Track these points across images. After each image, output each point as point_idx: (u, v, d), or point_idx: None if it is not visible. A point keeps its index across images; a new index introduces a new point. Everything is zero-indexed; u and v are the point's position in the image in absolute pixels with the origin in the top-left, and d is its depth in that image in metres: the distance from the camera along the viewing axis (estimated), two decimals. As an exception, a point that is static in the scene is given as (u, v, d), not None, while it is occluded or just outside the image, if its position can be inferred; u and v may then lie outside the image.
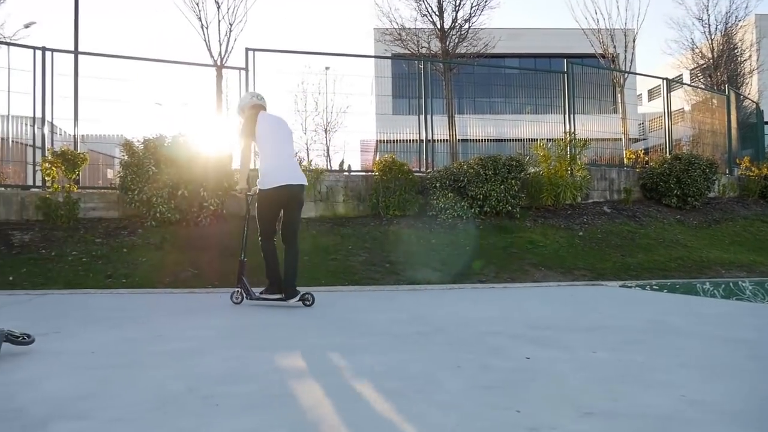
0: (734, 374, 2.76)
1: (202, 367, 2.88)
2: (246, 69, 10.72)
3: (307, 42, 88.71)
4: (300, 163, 10.16)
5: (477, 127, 14.85)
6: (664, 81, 15.10)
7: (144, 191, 8.85)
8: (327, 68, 21.23)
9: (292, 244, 5.51)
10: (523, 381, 2.60)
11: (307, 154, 19.20)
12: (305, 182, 5.59)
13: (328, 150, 22.54)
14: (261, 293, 5.53)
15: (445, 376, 2.69)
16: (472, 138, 14.53)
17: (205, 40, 13.45)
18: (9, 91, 10.24)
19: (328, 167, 17.98)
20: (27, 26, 22.36)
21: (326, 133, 22.39)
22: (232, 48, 13.68)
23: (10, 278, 7.27)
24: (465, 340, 3.64)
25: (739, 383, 2.59)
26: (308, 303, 5.35)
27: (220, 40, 13.39)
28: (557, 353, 3.21)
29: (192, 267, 7.93)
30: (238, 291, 5.57)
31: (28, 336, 3.23)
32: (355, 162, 24.75)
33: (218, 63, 12.54)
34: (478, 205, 10.24)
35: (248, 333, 3.98)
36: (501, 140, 14.56)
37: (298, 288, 5.38)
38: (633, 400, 2.31)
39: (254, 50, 10.84)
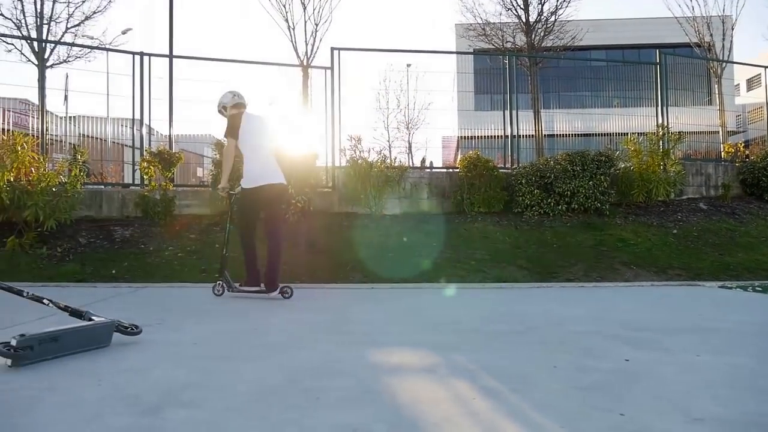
0: None
1: (299, 361, 2.95)
2: (331, 68, 10.88)
3: (389, 40, 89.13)
4: (383, 160, 10.26)
5: (563, 121, 14.48)
6: (766, 69, 14.23)
7: (234, 189, 9.13)
8: (408, 65, 21.28)
9: (275, 239, 5.81)
10: (624, 383, 2.52)
11: (390, 152, 19.32)
12: (285, 181, 5.91)
13: (410, 147, 22.59)
14: (240, 285, 5.76)
15: (542, 376, 2.64)
16: (558, 133, 14.18)
17: (291, 41, 13.78)
18: (108, 95, 10.84)
19: (410, 164, 18.02)
20: (124, 32, 23.64)
21: (408, 130, 22.43)
22: (318, 48, 13.94)
23: (113, 271, 7.68)
24: (558, 339, 3.57)
25: None
26: (287, 296, 5.60)
27: (306, 41, 13.68)
28: (658, 355, 3.09)
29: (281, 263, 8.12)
30: (219, 284, 5.79)
31: (136, 327, 3.42)
32: (436, 159, 24.72)
33: (304, 63, 12.80)
34: (566, 201, 10.00)
35: (338, 328, 4.05)
36: (588, 135, 14.13)
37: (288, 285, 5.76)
38: (745, 407, 2.19)
39: (339, 49, 10.98)
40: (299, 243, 8.70)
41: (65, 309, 3.52)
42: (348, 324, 4.27)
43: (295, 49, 13.79)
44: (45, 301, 3.61)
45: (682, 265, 8.41)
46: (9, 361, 2.80)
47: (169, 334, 3.71)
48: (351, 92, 14.55)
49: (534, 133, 14.13)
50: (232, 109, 5.95)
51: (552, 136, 14.45)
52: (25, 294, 3.73)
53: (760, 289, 7.23)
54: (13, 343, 2.80)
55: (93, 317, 3.38)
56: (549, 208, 9.97)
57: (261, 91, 12.00)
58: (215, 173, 9.48)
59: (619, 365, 2.86)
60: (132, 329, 3.38)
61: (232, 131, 5.76)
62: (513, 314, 4.77)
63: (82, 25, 16.58)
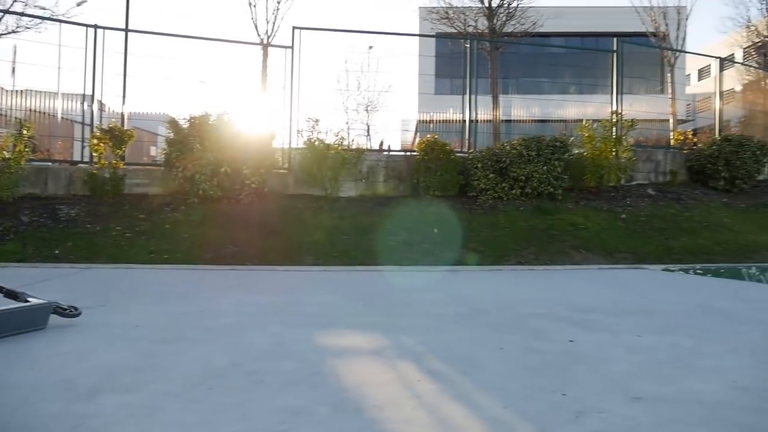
0: (789, 363, 2.66)
1: (246, 343, 2.90)
2: (292, 48, 10.70)
3: (351, 20, 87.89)
4: (341, 142, 10.19)
5: (521, 107, 14.60)
6: (717, 60, 14.57)
7: (188, 168, 8.97)
8: (371, 47, 21.05)
9: None
10: (569, 364, 2.55)
11: (348, 134, 19.08)
12: None
13: (368, 129, 22.43)
14: None
15: (489, 358, 2.65)
16: (515, 118, 14.30)
17: (252, 18, 13.46)
18: (59, 68, 10.41)
19: (369, 147, 17.92)
20: (79, 4, 22.87)
21: (367, 113, 22.28)
22: (279, 27, 13.65)
23: (56, 252, 7.45)
24: (507, 322, 3.59)
25: (795, 372, 2.49)
26: None
27: (267, 19, 13.38)
28: (602, 336, 3.14)
29: (233, 244, 8.01)
30: None
31: (75, 308, 3.30)
32: (395, 142, 24.68)
33: (265, 41, 12.53)
34: (520, 186, 10.09)
35: (288, 310, 4.00)
36: (545, 121, 14.29)
37: None
38: (682, 385, 2.24)
39: (300, 29, 10.79)
40: (252, 224, 8.58)
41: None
42: (299, 306, 4.22)
43: (256, 27, 13.51)
44: (-21, 280, 3.47)
45: (629, 249, 8.60)
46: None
47: (111, 316, 3.60)
48: (311, 73, 14.31)
49: (492, 118, 14.21)
50: None
51: (509, 121, 14.56)
52: (-43, 273, 3.57)
53: (700, 272, 7.46)
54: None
55: (29, 298, 3.25)
56: (503, 193, 10.05)
57: (218, 70, 11.72)
58: (168, 152, 9.26)
59: (565, 347, 2.89)
60: (71, 311, 3.26)
61: None
62: (464, 297, 4.79)
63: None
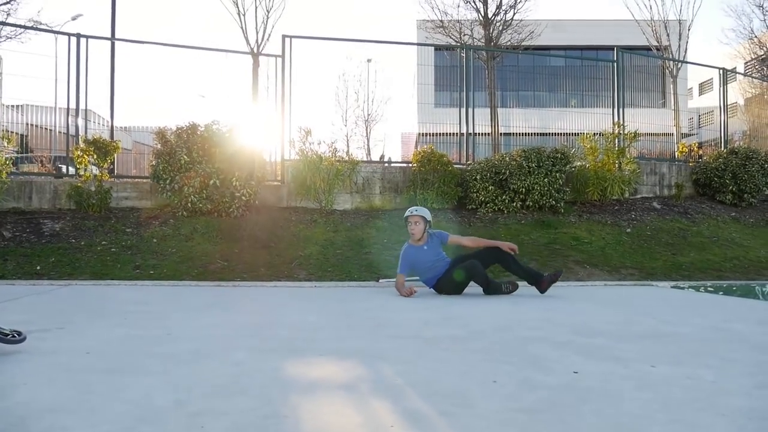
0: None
1: (201, 374, 2.54)
2: (282, 56, 10.44)
3: (347, 32, 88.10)
4: (334, 153, 9.88)
5: (520, 119, 14.31)
6: (721, 71, 14.26)
7: (176, 180, 8.67)
8: (369, 60, 20.86)
9: None
10: (572, 403, 2.19)
11: (347, 145, 18.83)
12: None
13: (368, 142, 22.18)
14: None
15: (479, 395, 2.29)
16: (514, 131, 14.00)
17: (241, 27, 13.19)
18: (56, 80, 10.11)
19: (369, 159, 17.62)
20: (74, 18, 22.85)
21: (366, 125, 22.03)
22: (269, 36, 13.37)
23: (38, 267, 7.13)
24: (504, 347, 3.24)
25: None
26: None
27: (256, 28, 13.11)
28: (610, 366, 2.78)
29: (222, 259, 7.68)
30: None
31: (19, 333, 2.93)
32: (395, 154, 24.46)
33: (255, 51, 12.27)
34: (520, 198, 9.76)
35: (262, 333, 3.64)
36: (545, 134, 14.00)
37: None
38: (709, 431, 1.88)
39: (291, 37, 10.55)
40: (242, 238, 8.26)
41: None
42: (275, 327, 3.86)
43: (245, 37, 13.24)
44: None
45: (634, 264, 8.24)
46: None
47: (63, 341, 3.25)
48: (306, 84, 14.00)
49: (490, 131, 13.92)
50: None
51: (509, 134, 14.28)
52: None
53: (711, 289, 7.08)
54: None
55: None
56: (503, 205, 9.72)
57: (213, 81, 11.46)
58: (155, 164, 8.96)
59: (567, 379, 2.54)
60: (13, 336, 2.90)
61: None
62: (458, 317, 4.43)
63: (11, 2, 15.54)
